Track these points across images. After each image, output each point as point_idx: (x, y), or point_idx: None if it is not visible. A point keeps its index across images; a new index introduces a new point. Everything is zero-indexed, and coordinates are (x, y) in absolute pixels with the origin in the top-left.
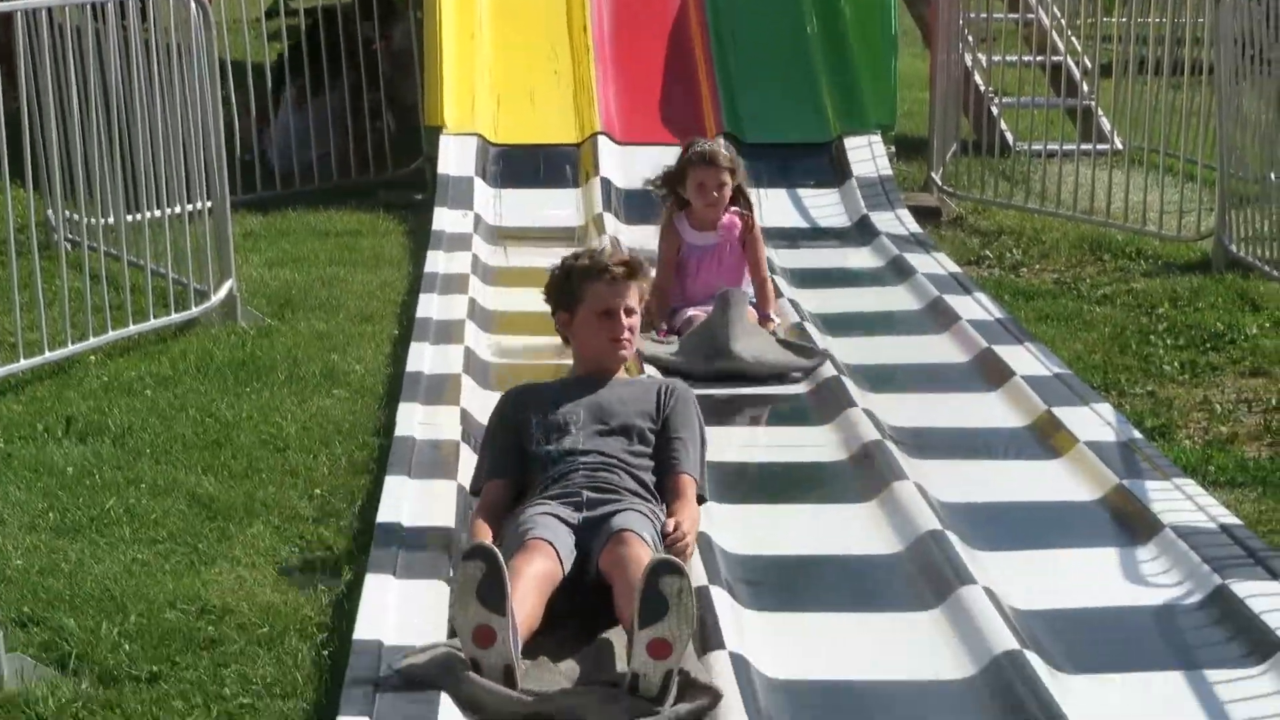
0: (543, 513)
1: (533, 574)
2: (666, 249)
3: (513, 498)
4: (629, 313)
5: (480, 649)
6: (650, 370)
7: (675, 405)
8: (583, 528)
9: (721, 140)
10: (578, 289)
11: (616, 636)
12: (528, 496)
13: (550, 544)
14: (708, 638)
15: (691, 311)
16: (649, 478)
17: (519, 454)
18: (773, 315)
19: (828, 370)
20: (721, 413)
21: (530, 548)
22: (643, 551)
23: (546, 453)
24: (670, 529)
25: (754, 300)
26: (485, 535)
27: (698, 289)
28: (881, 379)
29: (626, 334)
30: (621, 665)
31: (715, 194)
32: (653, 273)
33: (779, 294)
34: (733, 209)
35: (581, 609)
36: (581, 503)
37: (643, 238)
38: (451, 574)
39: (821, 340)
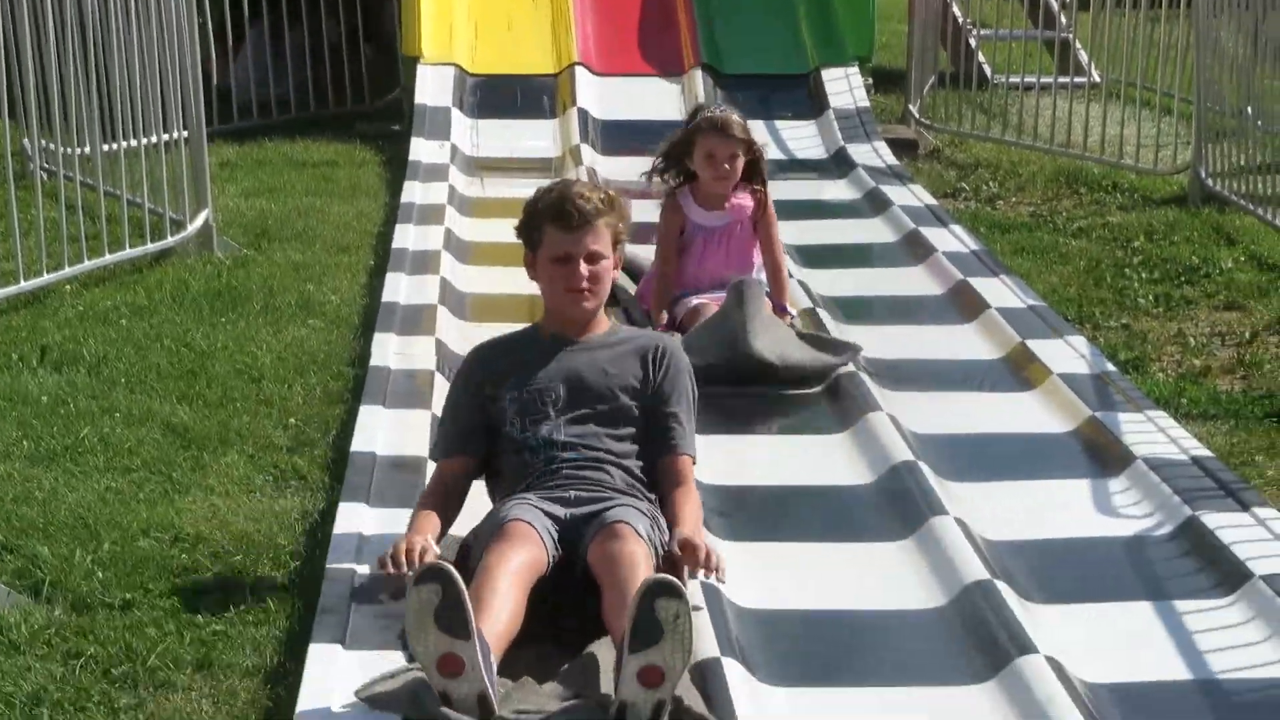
0: (524, 503)
1: (511, 569)
2: (667, 229)
3: (474, 475)
4: (593, 259)
5: (448, 679)
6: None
7: (667, 373)
8: (570, 524)
9: (735, 110)
10: (538, 229)
11: (604, 652)
12: (502, 483)
13: (531, 525)
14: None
15: (696, 300)
16: (637, 464)
17: (485, 431)
18: (789, 307)
19: (802, 300)
20: None
21: (508, 533)
22: (637, 549)
23: (523, 439)
24: (680, 550)
25: (768, 290)
26: (430, 526)
27: (703, 275)
28: (856, 311)
29: (585, 284)
30: (608, 686)
31: (726, 166)
32: (631, 209)
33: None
34: (744, 186)
35: (568, 604)
36: (569, 500)
37: (619, 169)
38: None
39: (799, 272)
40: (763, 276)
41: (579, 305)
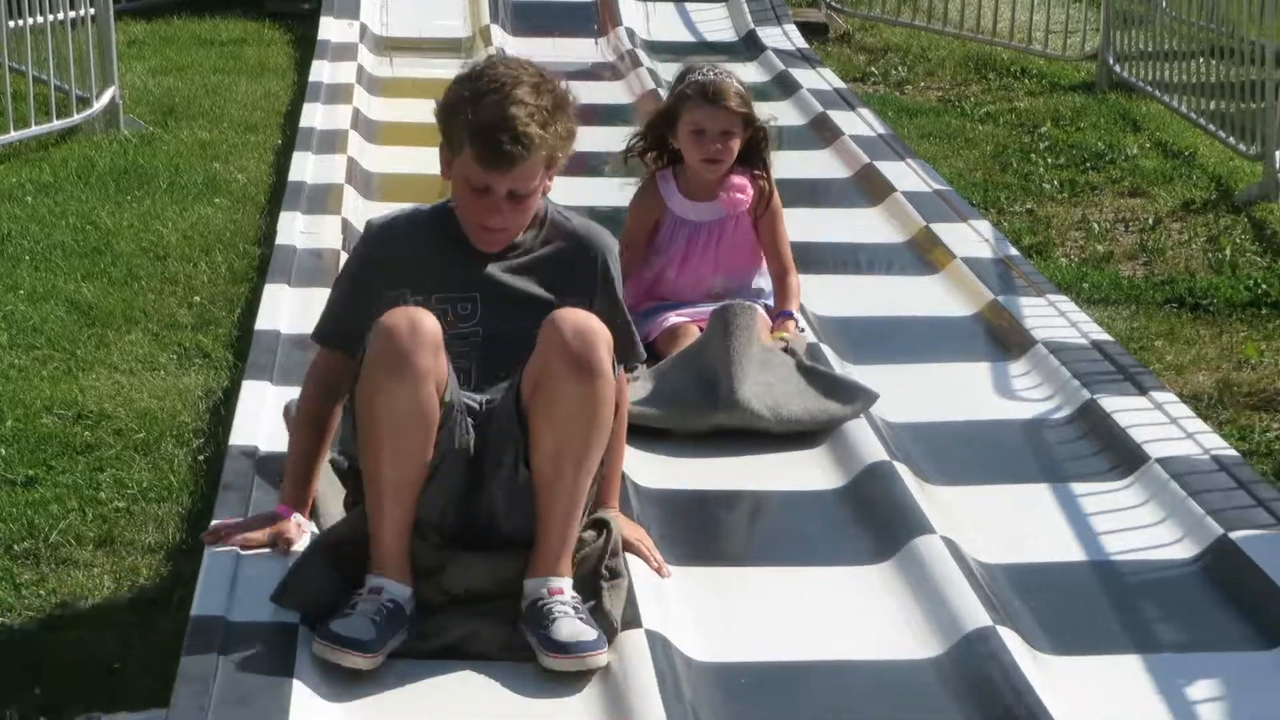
0: None
1: (408, 439)
2: (639, 221)
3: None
4: (515, 196)
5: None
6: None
7: (605, 291)
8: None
9: (733, 75)
10: (459, 137)
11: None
12: None
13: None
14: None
15: (675, 319)
16: None
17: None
18: (796, 314)
19: None
20: None
21: (397, 371)
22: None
23: None
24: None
25: (768, 304)
26: (309, 473)
27: (686, 284)
28: None
29: (501, 223)
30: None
31: (718, 146)
32: (578, 133)
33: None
34: (742, 171)
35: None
36: (471, 381)
37: (529, 50)
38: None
39: None
40: (763, 284)
41: (489, 240)
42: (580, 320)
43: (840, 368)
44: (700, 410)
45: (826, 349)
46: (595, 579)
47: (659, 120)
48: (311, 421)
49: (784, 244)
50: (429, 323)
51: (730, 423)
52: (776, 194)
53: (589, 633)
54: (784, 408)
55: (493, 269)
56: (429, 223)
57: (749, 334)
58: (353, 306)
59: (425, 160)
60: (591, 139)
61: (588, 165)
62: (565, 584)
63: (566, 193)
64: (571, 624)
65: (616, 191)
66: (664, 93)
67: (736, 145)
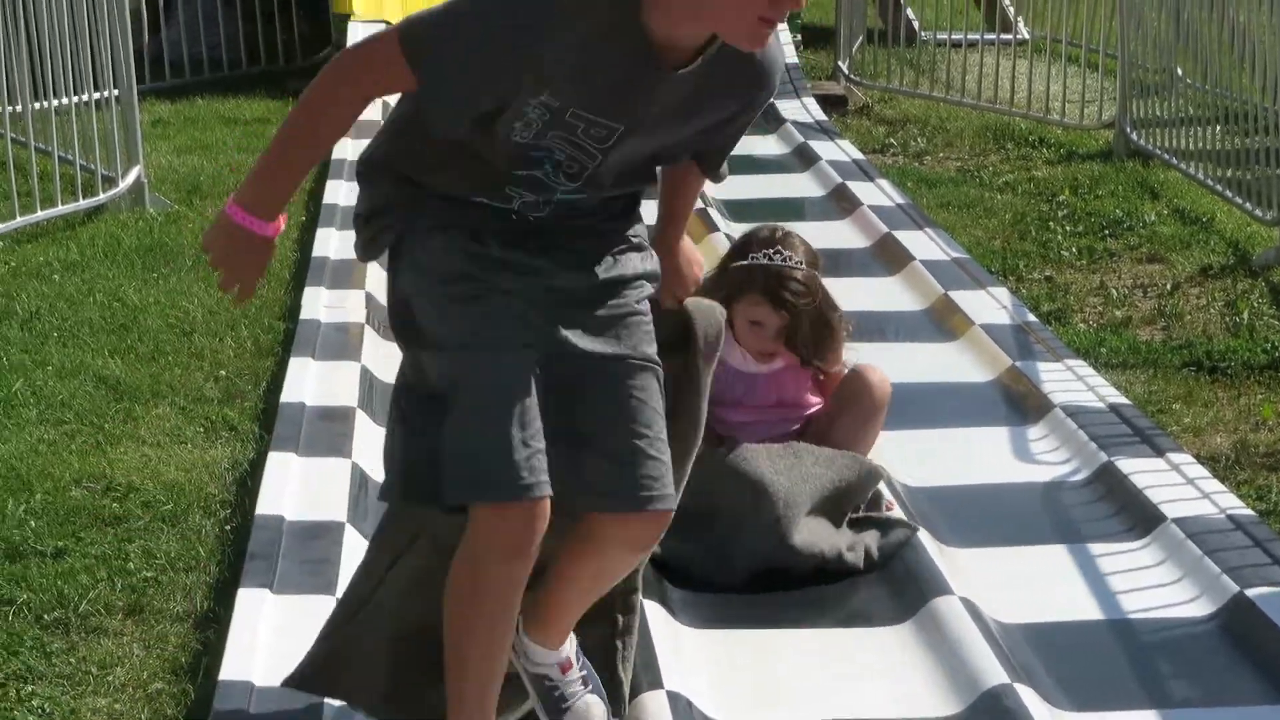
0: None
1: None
2: None
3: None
4: None
5: None
6: None
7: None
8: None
9: (800, 249)
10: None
11: None
12: (431, 169)
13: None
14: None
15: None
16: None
17: (481, 117)
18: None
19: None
20: None
21: (521, 557)
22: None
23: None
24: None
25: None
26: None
27: (737, 421)
28: None
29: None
30: None
31: (771, 340)
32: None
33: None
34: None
35: None
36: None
37: None
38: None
39: (726, 226)
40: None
41: (760, 38)
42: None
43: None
44: (743, 557)
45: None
46: (611, 632)
47: (722, 282)
48: (333, 123)
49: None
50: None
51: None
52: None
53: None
54: (818, 545)
55: (664, 97)
56: (608, 7)
57: (801, 507)
58: (469, 70)
59: None
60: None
61: None
62: (573, 650)
63: None
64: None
65: None
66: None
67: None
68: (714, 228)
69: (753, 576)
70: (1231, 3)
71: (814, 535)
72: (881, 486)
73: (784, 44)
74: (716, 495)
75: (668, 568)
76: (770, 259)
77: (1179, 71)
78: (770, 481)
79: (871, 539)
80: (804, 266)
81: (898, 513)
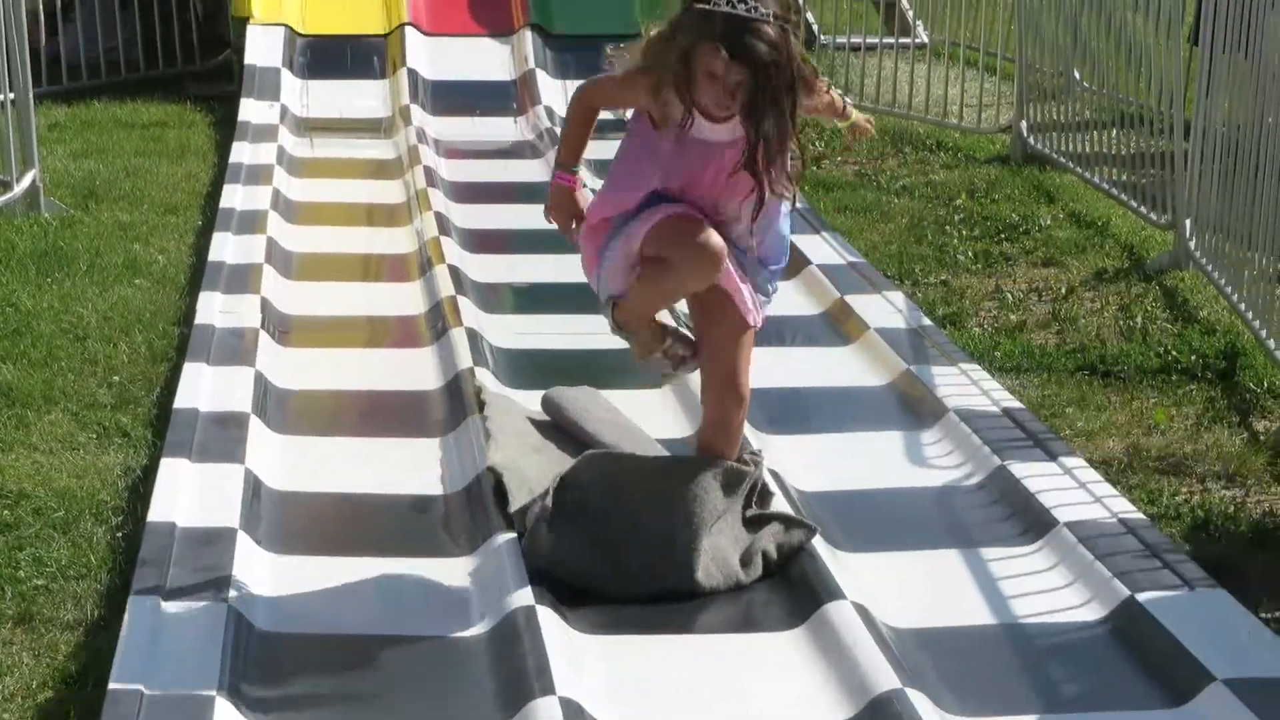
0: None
1: None
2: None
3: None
4: None
5: None
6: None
7: None
8: None
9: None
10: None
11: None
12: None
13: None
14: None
15: (671, 211)
16: None
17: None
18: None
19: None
20: (507, 298)
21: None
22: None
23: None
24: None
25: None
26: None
27: (691, 198)
28: None
29: None
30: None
31: (732, 96)
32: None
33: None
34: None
35: None
36: None
37: (450, 130)
38: None
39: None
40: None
41: None
42: None
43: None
44: (642, 575)
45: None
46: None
47: (672, 35)
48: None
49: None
50: None
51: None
52: (811, 79)
53: None
54: (731, 567)
55: None
56: None
57: (713, 503)
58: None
59: (345, 240)
60: (511, 216)
61: (508, 244)
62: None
63: (486, 268)
64: None
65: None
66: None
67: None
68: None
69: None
70: (1121, 12)
71: (716, 563)
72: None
73: None
74: (631, 518)
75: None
76: (733, 6)
77: (1076, 75)
78: (685, 522)
79: (769, 540)
80: (771, 19)
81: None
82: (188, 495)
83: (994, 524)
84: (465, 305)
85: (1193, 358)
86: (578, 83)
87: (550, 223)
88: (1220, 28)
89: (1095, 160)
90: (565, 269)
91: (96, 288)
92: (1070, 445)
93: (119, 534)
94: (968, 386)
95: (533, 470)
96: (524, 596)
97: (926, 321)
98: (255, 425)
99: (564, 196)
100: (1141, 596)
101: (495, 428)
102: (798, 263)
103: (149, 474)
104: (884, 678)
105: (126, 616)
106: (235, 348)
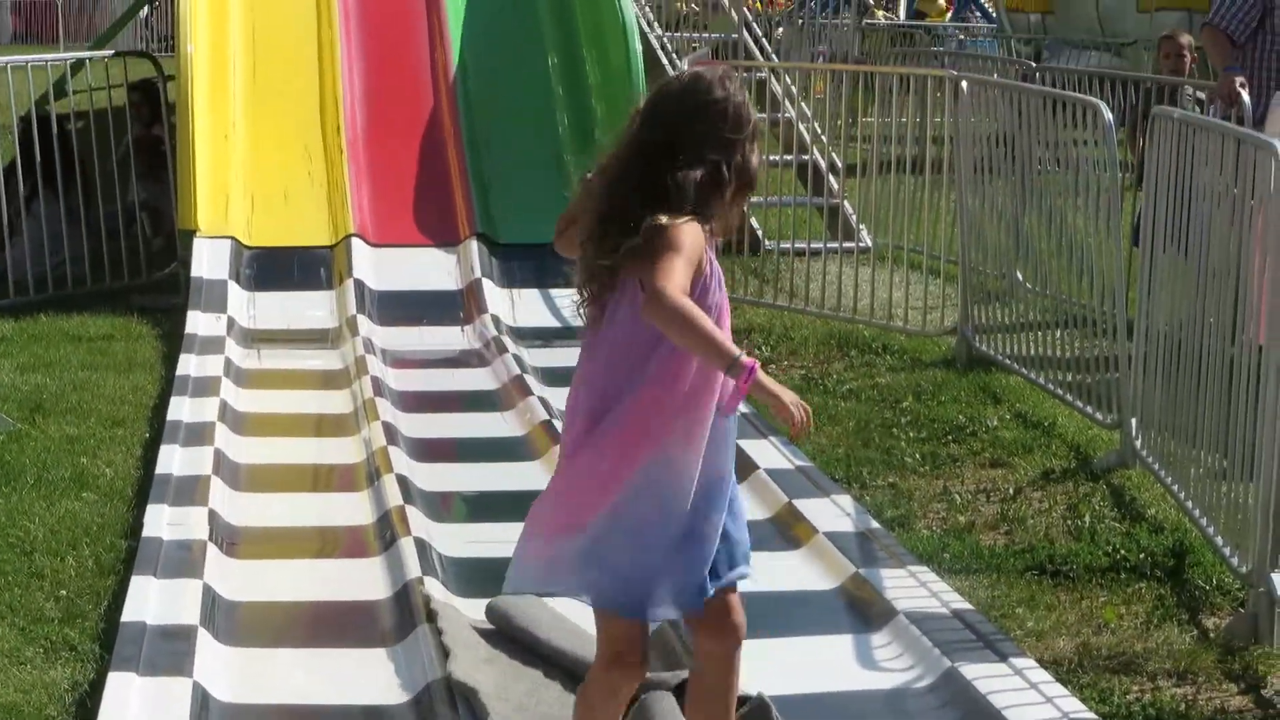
0: None
1: None
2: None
3: None
4: None
5: None
6: None
7: None
8: None
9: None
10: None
11: None
12: None
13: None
14: None
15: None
16: None
17: None
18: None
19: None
20: (456, 507)
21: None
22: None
23: None
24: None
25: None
26: None
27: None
28: None
29: None
30: None
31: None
32: None
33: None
34: None
35: None
36: None
37: (396, 340)
38: None
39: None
40: None
41: None
42: None
43: None
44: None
45: None
46: None
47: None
48: None
49: None
50: None
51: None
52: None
53: None
54: None
55: None
56: None
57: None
58: None
59: (293, 450)
60: (459, 425)
61: (456, 453)
62: None
63: (435, 477)
64: None
65: None
66: (530, 378)
67: None
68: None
69: None
70: (1061, 215)
71: None
72: None
73: None
74: None
75: None
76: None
77: (1019, 276)
78: None
79: None
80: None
81: None
82: (135, 710)
83: None
84: (414, 514)
85: (1141, 556)
86: (524, 291)
87: (794, 421)
88: (1160, 227)
89: (1040, 361)
90: (513, 477)
91: (44, 501)
92: (1020, 645)
93: None
94: (917, 588)
95: (488, 683)
96: None
97: (875, 524)
98: (203, 637)
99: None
100: None
101: (449, 640)
102: (746, 467)
103: (96, 689)
104: None
105: None
106: (183, 560)
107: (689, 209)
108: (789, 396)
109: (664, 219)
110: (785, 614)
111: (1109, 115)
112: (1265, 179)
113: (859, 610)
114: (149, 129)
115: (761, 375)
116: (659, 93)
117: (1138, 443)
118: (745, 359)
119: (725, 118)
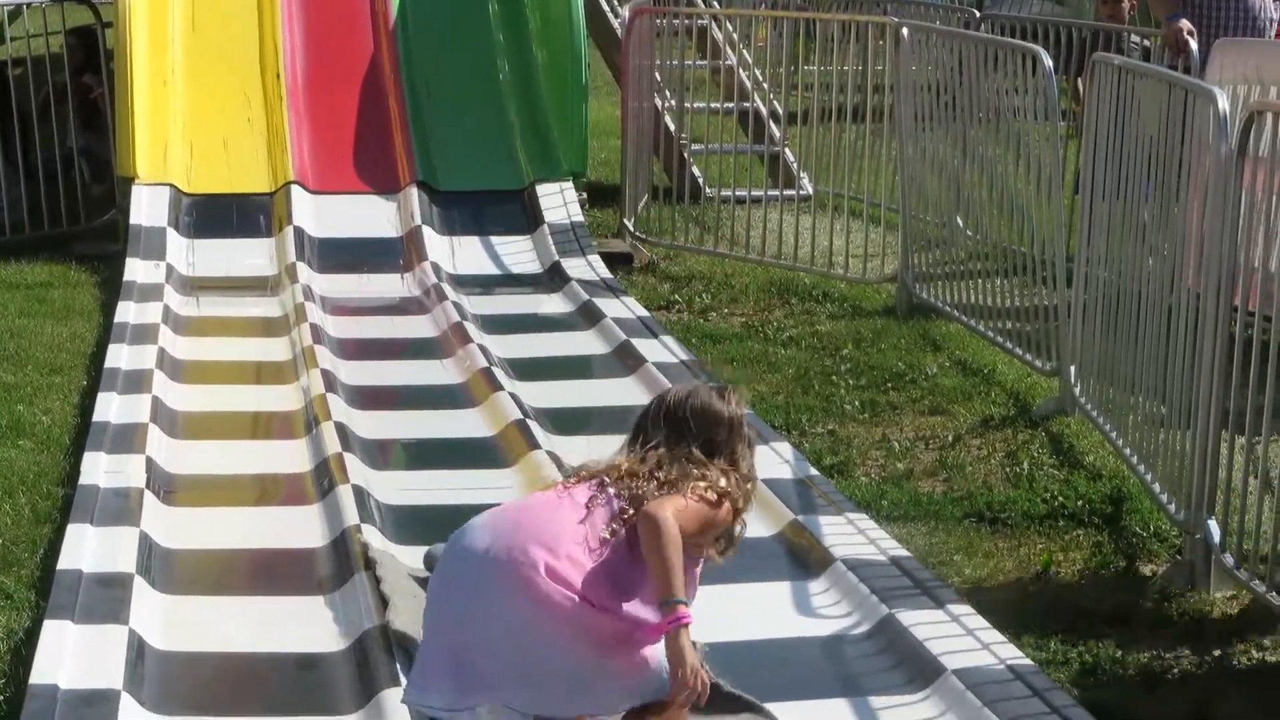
0: None
1: None
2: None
3: None
4: None
5: None
6: None
7: None
8: None
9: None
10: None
11: None
12: None
13: None
14: None
15: None
16: None
17: None
18: None
19: (512, 412)
20: (395, 455)
21: None
22: None
23: None
24: None
25: None
26: None
27: None
28: (570, 422)
29: None
30: None
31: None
32: None
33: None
34: None
35: None
36: None
37: (336, 286)
38: None
39: (511, 385)
40: None
41: None
42: None
43: (511, 387)
44: None
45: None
46: None
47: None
48: None
49: None
50: None
51: None
52: None
53: None
54: None
55: None
56: None
57: None
58: None
59: (231, 398)
60: (399, 372)
61: (395, 400)
62: None
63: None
64: None
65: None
66: (470, 326)
67: None
68: (535, 444)
69: None
70: (1000, 175)
71: None
72: None
73: (570, 201)
74: None
75: None
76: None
77: (959, 223)
78: None
79: None
80: None
81: None
82: (71, 658)
83: (882, 672)
84: (352, 462)
85: (1079, 503)
86: (465, 239)
87: (684, 688)
88: (1099, 175)
89: (980, 309)
90: (452, 424)
91: None
92: (958, 593)
93: (1, 698)
94: (855, 535)
95: None
96: None
97: (813, 471)
98: (140, 585)
99: (688, 640)
100: None
101: (388, 589)
102: None
103: (32, 636)
104: None
105: None
106: (120, 508)
107: None
108: (691, 666)
109: None
110: None
111: (1048, 62)
112: (1203, 126)
113: (798, 557)
114: (79, 76)
115: (685, 633)
116: None
117: (1076, 390)
118: (684, 609)
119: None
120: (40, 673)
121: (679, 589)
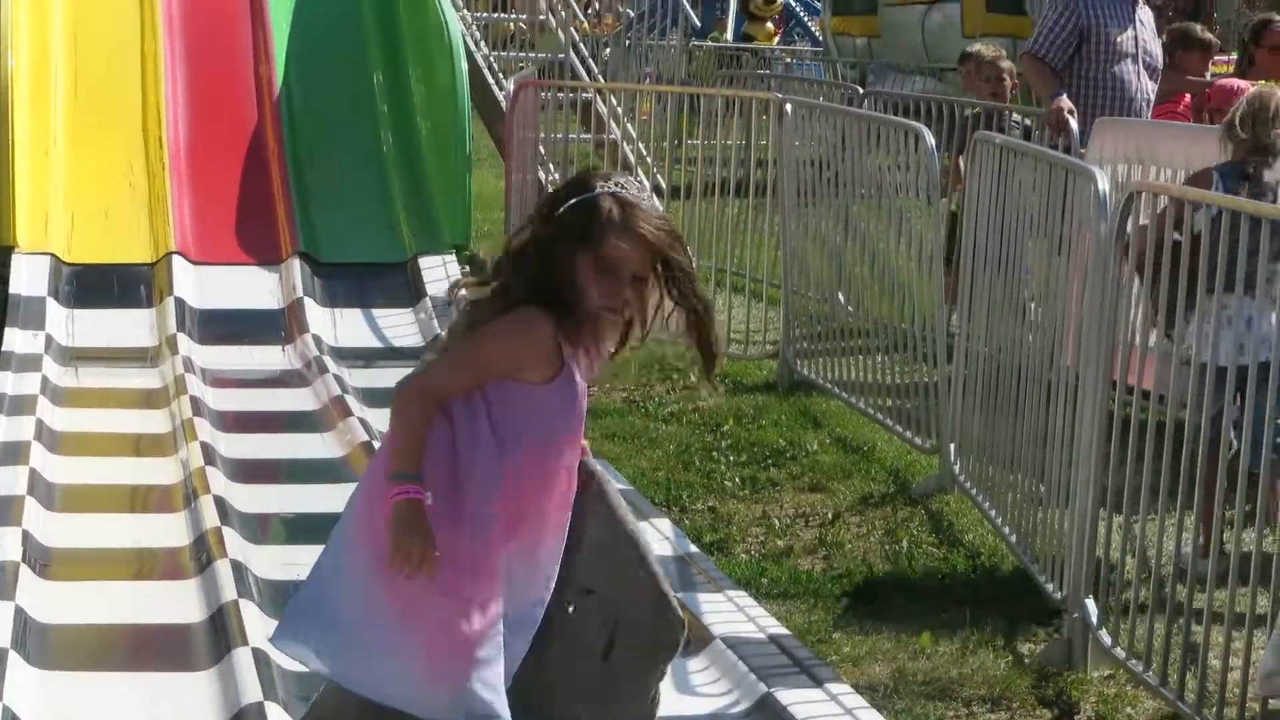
0: None
1: None
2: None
3: None
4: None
5: None
6: None
7: None
8: None
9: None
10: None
11: None
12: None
13: None
14: None
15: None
16: None
17: None
18: None
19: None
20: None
21: None
22: None
23: None
24: None
25: None
26: None
27: (537, 485)
28: None
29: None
30: None
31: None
32: None
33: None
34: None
35: None
36: None
37: (218, 359)
38: None
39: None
40: None
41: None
42: None
43: None
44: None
45: None
46: None
47: (571, 232)
48: None
49: None
50: None
51: None
52: None
53: None
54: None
55: None
56: None
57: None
58: None
59: (110, 471)
60: (279, 445)
61: (276, 474)
62: None
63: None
64: None
65: None
66: (351, 399)
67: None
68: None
69: None
70: (881, 250)
71: None
72: None
73: (453, 274)
74: None
75: None
76: (622, 188)
77: (841, 299)
78: None
79: None
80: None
81: None
82: None
83: None
84: (230, 536)
85: (957, 582)
86: (346, 311)
87: (404, 565)
88: (980, 252)
89: (861, 386)
90: (333, 498)
91: None
92: (836, 671)
93: None
94: (734, 613)
95: None
96: None
97: (693, 548)
98: (14, 660)
99: (414, 514)
100: None
101: None
102: None
103: None
104: None
105: None
106: None
107: None
108: (404, 539)
109: None
110: None
111: (930, 140)
112: (1083, 205)
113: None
114: None
115: (405, 507)
116: None
117: (956, 468)
118: (406, 490)
119: None
120: None
121: (405, 464)
